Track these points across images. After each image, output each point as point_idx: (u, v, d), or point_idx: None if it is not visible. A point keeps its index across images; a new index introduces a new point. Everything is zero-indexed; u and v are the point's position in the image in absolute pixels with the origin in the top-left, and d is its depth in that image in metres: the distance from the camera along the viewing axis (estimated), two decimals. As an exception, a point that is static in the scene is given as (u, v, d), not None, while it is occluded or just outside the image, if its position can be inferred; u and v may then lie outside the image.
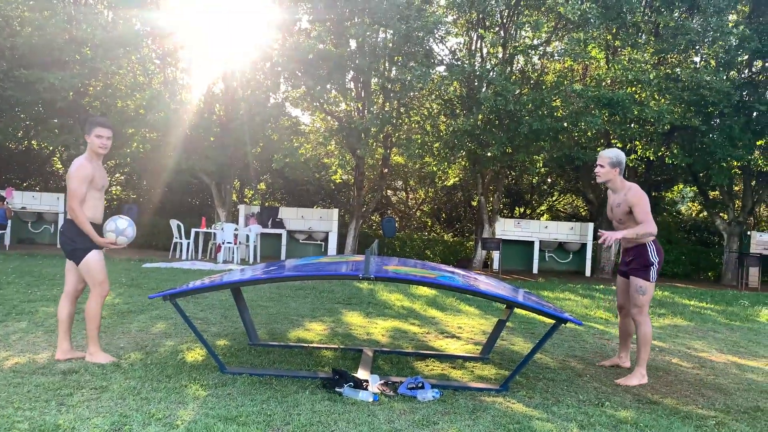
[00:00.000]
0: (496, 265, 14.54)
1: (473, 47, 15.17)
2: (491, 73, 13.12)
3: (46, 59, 12.91)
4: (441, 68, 14.51)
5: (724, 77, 12.38)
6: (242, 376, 3.98)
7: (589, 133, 13.53)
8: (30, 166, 18.45)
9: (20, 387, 3.53)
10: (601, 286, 11.76)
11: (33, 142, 17.82)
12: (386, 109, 14.18)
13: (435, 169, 15.55)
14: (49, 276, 8.58)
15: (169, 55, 14.26)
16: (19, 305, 6.17)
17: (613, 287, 11.78)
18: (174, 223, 13.77)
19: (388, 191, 20.74)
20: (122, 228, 4.34)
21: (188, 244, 13.56)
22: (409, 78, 12.72)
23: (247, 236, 13.61)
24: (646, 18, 13.46)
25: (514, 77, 14.15)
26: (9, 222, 13.21)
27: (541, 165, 15.45)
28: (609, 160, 4.63)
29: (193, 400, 3.46)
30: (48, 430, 2.89)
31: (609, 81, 13.20)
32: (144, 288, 7.90)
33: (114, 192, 20.46)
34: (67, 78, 12.68)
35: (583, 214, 19.60)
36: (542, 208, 21.14)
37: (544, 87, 13.57)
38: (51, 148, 17.46)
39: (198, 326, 5.50)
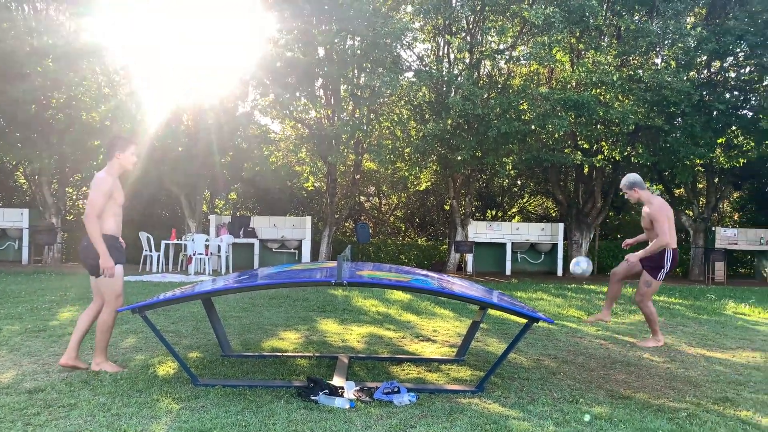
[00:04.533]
0: (469, 268, 14.63)
1: (440, 53, 15.29)
2: (459, 78, 13.23)
3: (6, 72, 12.60)
4: (409, 74, 14.60)
5: (685, 78, 12.69)
6: (215, 387, 3.92)
7: (556, 135, 13.73)
8: (-9, 181, 17.97)
9: (-16, 408, 3.42)
10: (573, 285, 11.92)
11: (-6, 156, 17.36)
12: (356, 115, 14.19)
13: (407, 174, 15.60)
14: (13, 294, 8.34)
15: (133, 65, 14.04)
16: (-17, 324, 5.98)
17: (585, 286, 11.95)
18: (143, 235, 13.54)
19: (361, 197, 20.73)
20: None
21: (158, 256, 13.34)
22: (377, 84, 12.76)
23: (219, 247, 13.45)
24: (608, 21, 13.74)
25: (481, 82, 14.30)
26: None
27: (510, 167, 15.61)
28: (625, 186, 5.71)
29: (165, 413, 3.40)
30: (14, 451, 2.81)
31: (574, 83, 13.43)
32: (113, 302, 7.73)
33: (80, 206, 20.02)
34: (29, 90, 12.39)
35: (554, 215, 19.86)
36: (513, 210, 21.37)
37: (511, 91, 13.73)
38: (14, 162, 17.04)
39: (169, 339, 5.41)
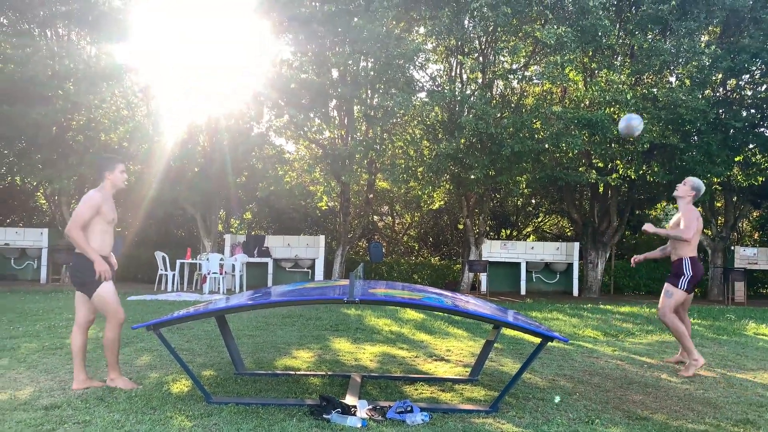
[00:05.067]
0: (483, 288, 14.54)
1: (453, 73, 15.39)
2: (472, 98, 13.29)
3: (29, 95, 12.90)
4: (422, 94, 14.69)
5: (700, 96, 12.64)
6: (228, 405, 3.92)
7: (570, 154, 13.70)
8: (13, 201, 18.27)
9: (1, 424, 3.45)
10: (589, 305, 11.79)
11: (16, 177, 17.68)
12: (369, 135, 14.28)
13: (420, 193, 15.62)
14: (31, 312, 8.44)
15: (151, 88, 14.31)
16: (1, 342, 6.06)
17: (601, 306, 11.81)
18: (159, 254, 13.66)
19: (375, 216, 20.76)
20: None
21: (173, 275, 13.44)
22: (391, 104, 12.85)
23: (233, 266, 13.52)
24: (620, 41, 13.77)
25: (494, 101, 14.34)
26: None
27: (524, 186, 15.57)
28: (692, 183, 5.51)
29: (178, 431, 3.40)
30: (29, 467, 2.83)
31: (587, 102, 13.43)
32: (129, 320, 7.77)
33: (98, 226, 20.22)
34: (50, 113, 12.66)
35: (569, 234, 19.72)
36: (528, 229, 21.26)
37: (524, 110, 13.76)
38: (35, 183, 17.33)
39: (184, 357, 5.43)
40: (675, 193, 5.59)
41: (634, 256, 6.03)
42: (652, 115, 12.69)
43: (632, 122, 5.74)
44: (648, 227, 5.46)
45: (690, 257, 5.40)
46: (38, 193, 18.74)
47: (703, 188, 5.56)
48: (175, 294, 11.98)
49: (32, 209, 18.99)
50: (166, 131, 13.85)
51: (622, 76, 12.89)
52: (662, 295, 5.48)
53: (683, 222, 5.39)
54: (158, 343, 5.94)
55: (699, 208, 16.40)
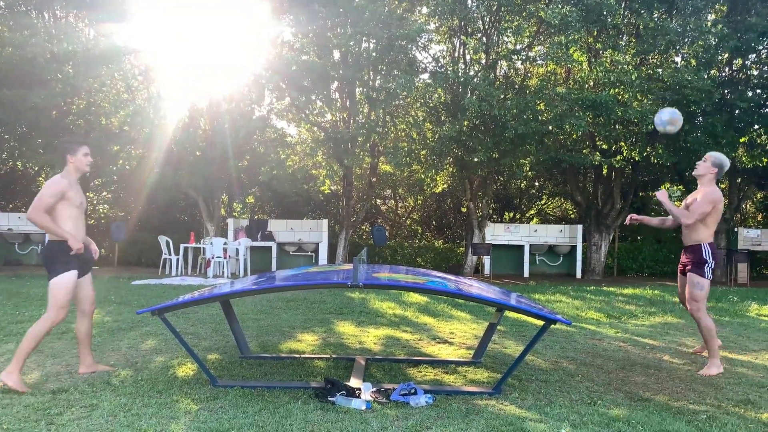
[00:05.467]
0: (487, 270, 14.56)
1: (456, 54, 15.26)
2: (475, 79, 13.20)
3: (28, 78, 12.84)
4: (425, 76, 14.59)
5: (705, 76, 12.52)
6: (234, 388, 3.95)
7: (574, 136, 13.62)
8: (15, 186, 18.30)
9: (9, 408, 3.49)
10: (592, 288, 11.81)
11: (18, 162, 17.68)
12: (372, 118, 14.21)
13: (423, 176, 15.58)
14: (37, 297, 8.48)
15: (151, 71, 14.22)
16: (7, 327, 6.10)
17: (604, 288, 11.83)
18: (162, 239, 13.69)
19: (378, 200, 20.75)
20: None
21: (177, 260, 13.48)
22: (393, 86, 12.77)
23: (237, 250, 13.55)
24: (625, 20, 13.62)
25: (497, 82, 14.24)
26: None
27: (528, 169, 15.52)
28: (713, 159, 4.95)
29: (184, 414, 3.43)
30: (37, 451, 2.86)
31: (592, 83, 13.32)
32: (133, 305, 7.84)
33: (101, 210, 20.29)
34: (50, 97, 12.61)
35: (572, 216, 19.69)
36: (531, 212, 21.23)
37: (528, 91, 13.66)
38: (36, 168, 17.33)
39: (189, 341, 5.46)
40: (695, 172, 5.03)
41: (631, 214, 5.52)
42: (657, 96, 12.60)
43: (675, 116, 5.22)
44: (661, 195, 5.01)
45: (709, 243, 4.93)
46: (40, 178, 18.74)
47: (728, 164, 5.00)
48: (179, 278, 12.03)
49: (34, 194, 18.87)
50: (167, 115, 13.80)
51: (627, 57, 12.77)
52: (689, 287, 4.91)
53: (697, 203, 4.87)
54: (163, 327, 5.98)
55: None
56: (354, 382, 4.02)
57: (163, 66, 13.91)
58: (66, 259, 4.09)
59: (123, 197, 19.30)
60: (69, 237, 4.06)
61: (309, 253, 15.42)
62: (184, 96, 13.87)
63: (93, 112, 14.12)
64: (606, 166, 13.94)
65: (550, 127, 12.82)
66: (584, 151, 14.02)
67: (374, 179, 16.30)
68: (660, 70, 13.04)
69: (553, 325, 3.98)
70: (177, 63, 13.71)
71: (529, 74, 15.20)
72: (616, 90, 12.85)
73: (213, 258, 12.75)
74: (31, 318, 6.64)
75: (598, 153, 13.58)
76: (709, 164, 4.94)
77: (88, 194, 17.48)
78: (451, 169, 15.82)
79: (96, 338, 5.58)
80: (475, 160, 13.17)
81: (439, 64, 14.93)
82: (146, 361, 4.73)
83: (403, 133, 15.37)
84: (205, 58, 13.24)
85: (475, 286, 4.80)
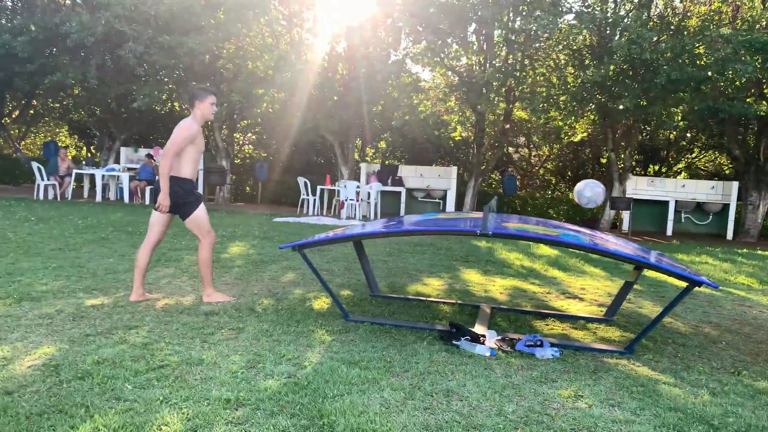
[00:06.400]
0: (625, 226, 13.79)
1: (606, -8, 14.12)
2: (625, 20, 12.18)
3: (184, 25, 13.82)
4: (569, 16, 13.69)
5: None
6: (364, 324, 4.16)
7: (737, 83, 12.21)
8: (173, 126, 20.03)
9: (170, 325, 3.95)
10: (745, 250, 10.79)
11: (175, 104, 19.31)
12: (509, 61, 13.69)
13: (561, 124, 14.88)
14: (192, 227, 9.37)
15: (295, 16, 14.68)
16: (167, 253, 6.83)
17: (759, 252, 10.77)
18: (301, 180, 14.44)
19: (510, 148, 20.19)
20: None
21: (314, 200, 14.19)
22: (534, 28, 12.15)
23: (369, 194, 13.96)
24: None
25: (651, 23, 13.03)
26: (156, 178, 14.54)
27: (679, 118, 14.23)
28: None
29: (319, 344, 3.69)
30: (194, 364, 3.22)
31: (764, 23, 11.75)
32: (275, 240, 8.42)
33: (246, 151, 21.73)
34: (204, 42, 13.50)
35: (727, 172, 17.92)
36: (680, 165, 19.59)
37: (685, 32, 12.38)
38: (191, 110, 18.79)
39: (324, 277, 5.79)
40: None
41: None
42: None
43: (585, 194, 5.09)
44: None
45: None
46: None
47: None
48: (315, 218, 12.69)
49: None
50: (308, 59, 14.26)
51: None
52: None
53: None
54: (301, 262, 6.39)
55: None
56: (479, 329, 4.06)
57: (306, 11, 14.28)
58: (191, 199, 4.51)
59: (266, 139, 20.49)
60: (164, 192, 4.39)
61: (437, 200, 15.50)
62: (324, 41, 14.21)
63: (241, 57, 14.96)
64: (774, 117, 12.41)
65: (710, 73, 11.58)
66: (748, 99, 12.55)
67: (507, 126, 15.84)
68: None
69: (697, 288, 3.71)
70: (319, 7, 14.02)
71: (688, 14, 13.73)
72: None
73: (346, 200, 13.26)
74: (187, 246, 7.38)
75: (765, 102, 12.10)
76: None
77: (235, 135, 18.78)
78: (592, 117, 14.94)
79: (242, 268, 6.09)
80: (620, 107, 12.30)
81: (586, 4, 13.92)
82: (286, 293, 5.10)
83: (541, 78, 14.68)
84: (344, 1, 13.41)
85: (611, 242, 4.58)
